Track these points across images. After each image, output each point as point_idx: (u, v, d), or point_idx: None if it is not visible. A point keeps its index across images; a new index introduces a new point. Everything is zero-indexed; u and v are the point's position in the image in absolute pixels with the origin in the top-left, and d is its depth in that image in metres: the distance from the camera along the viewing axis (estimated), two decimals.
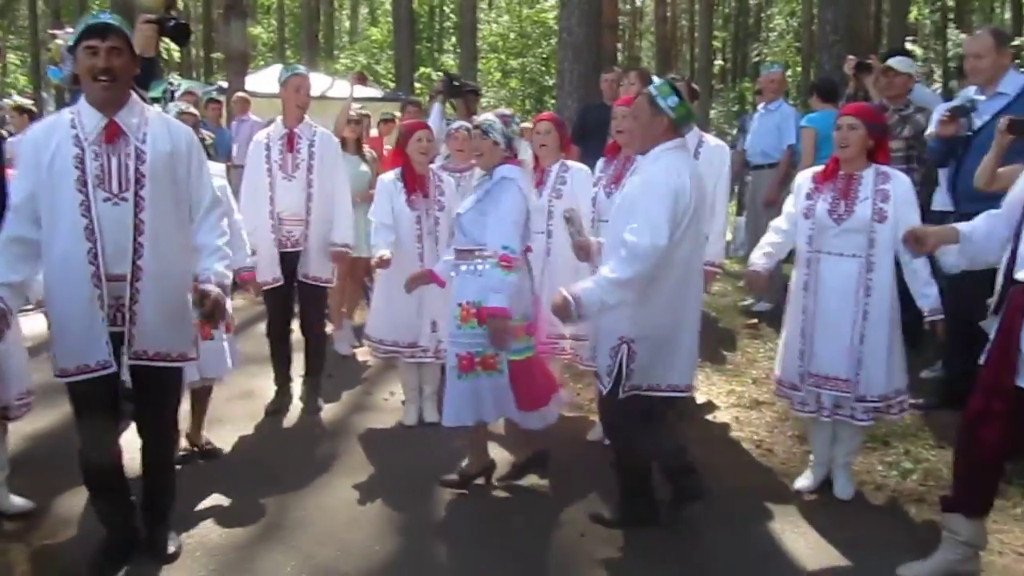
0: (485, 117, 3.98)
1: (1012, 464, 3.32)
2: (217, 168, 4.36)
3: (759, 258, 3.92)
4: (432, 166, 4.83)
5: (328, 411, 5.06)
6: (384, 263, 4.40)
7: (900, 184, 3.65)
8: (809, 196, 3.78)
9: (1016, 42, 17.38)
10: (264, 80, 14.06)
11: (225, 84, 12.20)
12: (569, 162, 4.67)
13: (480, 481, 4.00)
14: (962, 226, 3.12)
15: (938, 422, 4.61)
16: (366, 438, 4.68)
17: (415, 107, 8.08)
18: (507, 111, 4.18)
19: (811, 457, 4.03)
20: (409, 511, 3.79)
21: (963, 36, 20.84)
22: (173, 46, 11.79)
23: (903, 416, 3.89)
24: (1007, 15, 25.54)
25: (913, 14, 21.86)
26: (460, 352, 3.77)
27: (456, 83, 6.65)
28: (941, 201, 5.06)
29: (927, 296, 3.62)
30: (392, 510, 3.80)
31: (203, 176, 3.23)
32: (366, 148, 6.82)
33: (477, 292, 3.70)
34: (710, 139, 4.71)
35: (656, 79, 3.40)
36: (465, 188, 4.99)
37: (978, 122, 4.50)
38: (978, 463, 3.01)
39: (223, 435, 4.55)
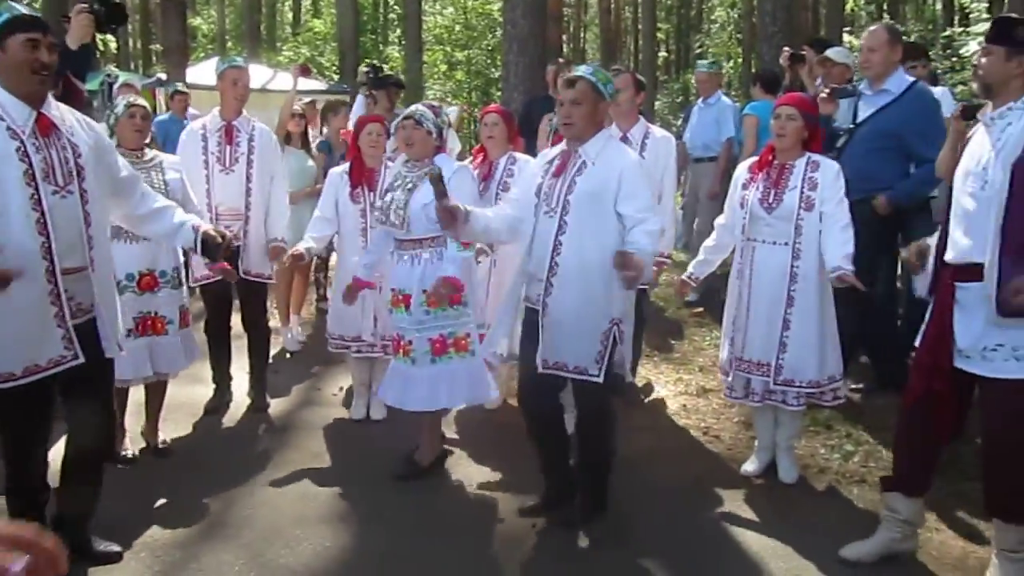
0: (416, 107, 4.04)
1: (949, 444, 3.41)
2: (173, 160, 4.28)
3: (694, 266, 4.08)
4: (389, 160, 4.78)
5: (275, 407, 5.00)
6: (295, 257, 4.40)
7: (827, 171, 3.71)
8: (745, 186, 3.85)
9: (947, 33, 17.90)
10: (205, 72, 13.77)
11: (164, 76, 11.93)
12: (517, 154, 4.68)
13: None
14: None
15: (877, 404, 4.73)
16: (314, 434, 4.63)
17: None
18: (434, 102, 4.32)
19: (756, 442, 4.11)
20: (359, 506, 3.76)
21: (897, 27, 21.42)
22: (110, 37, 11.55)
23: (838, 403, 3.95)
24: (938, 6, 26.22)
25: (850, 5, 22.32)
26: (432, 336, 3.84)
27: (380, 75, 6.58)
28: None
29: (833, 256, 3.57)
30: (341, 505, 3.77)
31: (119, 160, 3.27)
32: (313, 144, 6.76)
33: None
34: (656, 131, 4.76)
35: (583, 67, 3.41)
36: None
37: (862, 115, 4.62)
38: (917, 443, 3.10)
39: (163, 434, 4.43)
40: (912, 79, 4.78)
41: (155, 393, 4.29)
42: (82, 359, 2.96)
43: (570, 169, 3.33)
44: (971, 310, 2.84)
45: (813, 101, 3.98)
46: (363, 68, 6.72)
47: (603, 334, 3.31)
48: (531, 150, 5.05)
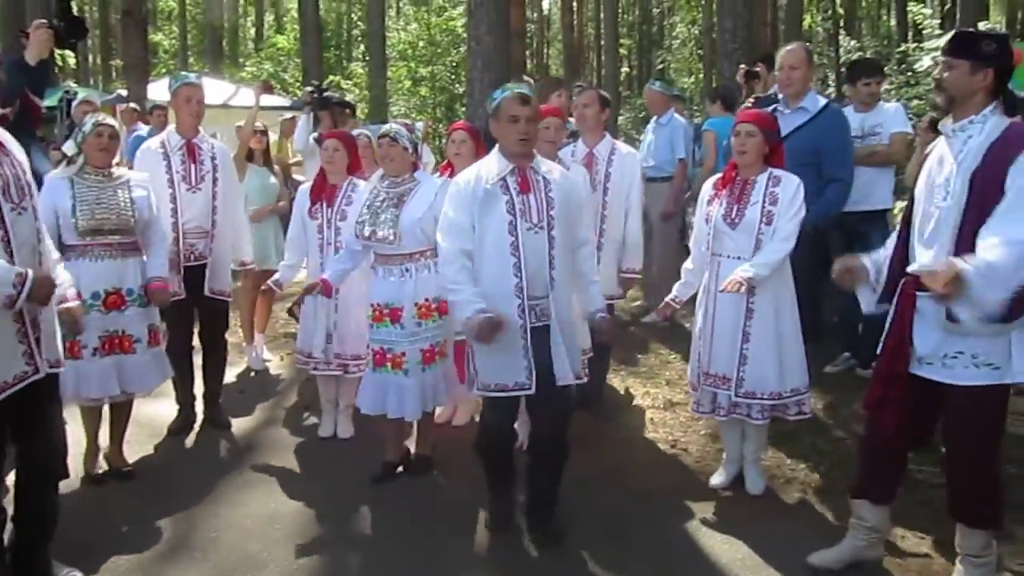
0: (390, 126, 4.18)
1: (915, 452, 3.47)
2: (141, 178, 4.23)
3: (677, 289, 4.06)
4: (356, 177, 4.75)
5: (240, 426, 4.95)
6: (268, 289, 4.60)
7: (787, 186, 3.76)
8: (709, 202, 3.90)
9: (901, 49, 18.29)
10: (165, 88, 13.66)
11: (125, 92, 11.77)
12: None
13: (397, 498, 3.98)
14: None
15: (843, 414, 4.80)
16: (280, 453, 4.59)
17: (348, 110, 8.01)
18: (406, 120, 4.34)
19: (724, 455, 4.14)
20: (328, 525, 3.73)
21: (853, 43, 21.82)
22: (68, 52, 11.36)
23: (802, 418, 3.97)
24: (893, 22, 26.80)
25: (807, 22, 22.70)
26: (424, 347, 3.99)
27: (325, 95, 6.53)
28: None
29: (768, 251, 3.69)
30: (309, 525, 3.73)
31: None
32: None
33: (437, 288, 3.86)
34: (622, 147, 4.81)
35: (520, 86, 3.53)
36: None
37: (781, 132, 4.69)
38: (881, 450, 3.14)
39: (125, 456, 4.36)
40: (826, 100, 4.93)
41: (119, 414, 4.22)
42: (43, 373, 2.90)
43: (538, 186, 3.36)
44: (932, 319, 2.88)
45: (772, 117, 4.04)
46: (307, 88, 6.59)
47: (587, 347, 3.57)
48: None
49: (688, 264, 4.06)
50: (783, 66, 4.82)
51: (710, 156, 6.75)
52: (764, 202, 3.75)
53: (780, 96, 4.90)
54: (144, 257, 4.12)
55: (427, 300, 3.99)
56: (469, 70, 8.13)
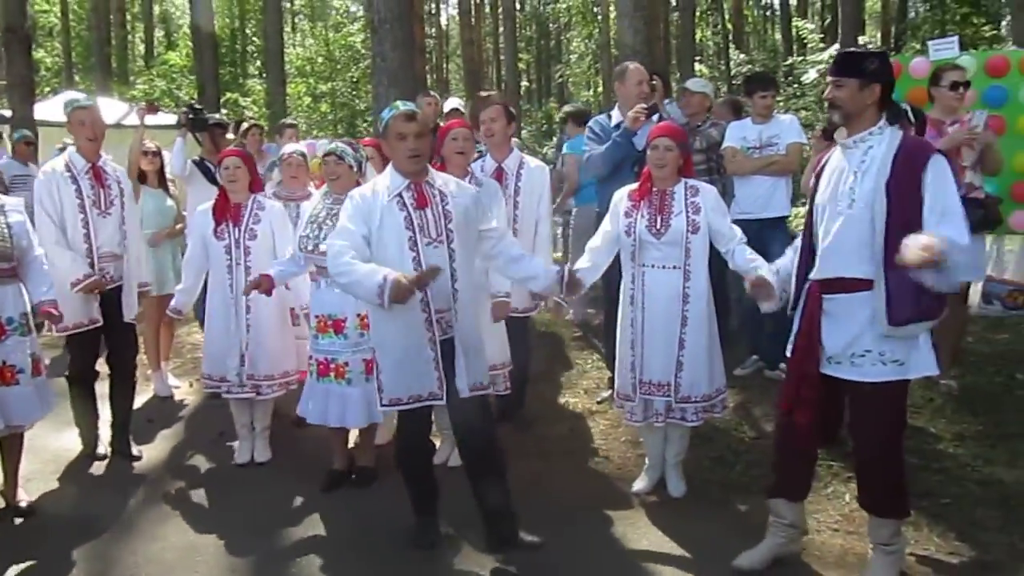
0: (336, 144, 4.28)
1: (824, 449, 3.62)
2: (15, 203, 4.06)
3: (583, 263, 3.97)
4: (261, 195, 4.71)
5: (151, 456, 4.78)
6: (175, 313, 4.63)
7: (708, 195, 3.91)
8: (628, 214, 3.95)
9: (788, 62, 19.10)
10: (53, 108, 13.07)
11: (8, 113, 11.23)
12: None
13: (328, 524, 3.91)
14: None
15: (754, 415, 4.96)
16: (195, 481, 4.46)
17: (292, 129, 7.83)
18: (351, 140, 4.52)
19: (646, 460, 4.22)
20: (252, 553, 3.64)
21: (743, 56, 22.65)
22: None
23: (724, 412, 4.15)
24: (778, 36, 27.96)
25: (698, 36, 23.46)
26: (367, 357, 4.00)
27: (200, 116, 6.32)
28: (735, 211, 5.49)
29: (750, 270, 3.67)
30: (231, 554, 3.63)
31: None
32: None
33: None
34: (531, 160, 4.86)
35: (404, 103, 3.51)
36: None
37: (640, 144, 4.81)
38: (794, 449, 3.27)
39: (25, 493, 4.16)
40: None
41: (11, 449, 4.03)
42: None
43: (435, 200, 3.37)
44: (839, 319, 3.04)
45: (684, 130, 4.17)
46: (182, 109, 6.37)
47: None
48: None
49: (584, 263, 3.98)
50: (634, 81, 5.10)
51: (572, 179, 6.98)
52: (687, 211, 3.86)
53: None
54: (21, 284, 4.00)
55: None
56: (375, 86, 8.07)
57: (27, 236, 3.99)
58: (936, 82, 4.92)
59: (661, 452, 4.14)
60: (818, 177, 3.19)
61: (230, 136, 6.93)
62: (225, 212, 4.53)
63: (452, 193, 3.41)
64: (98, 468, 4.62)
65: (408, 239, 3.29)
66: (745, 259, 3.76)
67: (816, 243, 3.14)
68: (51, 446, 4.70)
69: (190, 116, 6.20)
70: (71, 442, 4.77)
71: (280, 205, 4.79)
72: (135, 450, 4.78)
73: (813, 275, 3.14)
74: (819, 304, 3.08)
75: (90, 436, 4.76)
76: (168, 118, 12.72)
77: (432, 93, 7.21)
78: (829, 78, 3.05)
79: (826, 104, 3.14)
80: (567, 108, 8.42)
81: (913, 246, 2.71)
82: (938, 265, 2.71)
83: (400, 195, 3.34)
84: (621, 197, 4.04)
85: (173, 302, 4.67)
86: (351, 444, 4.48)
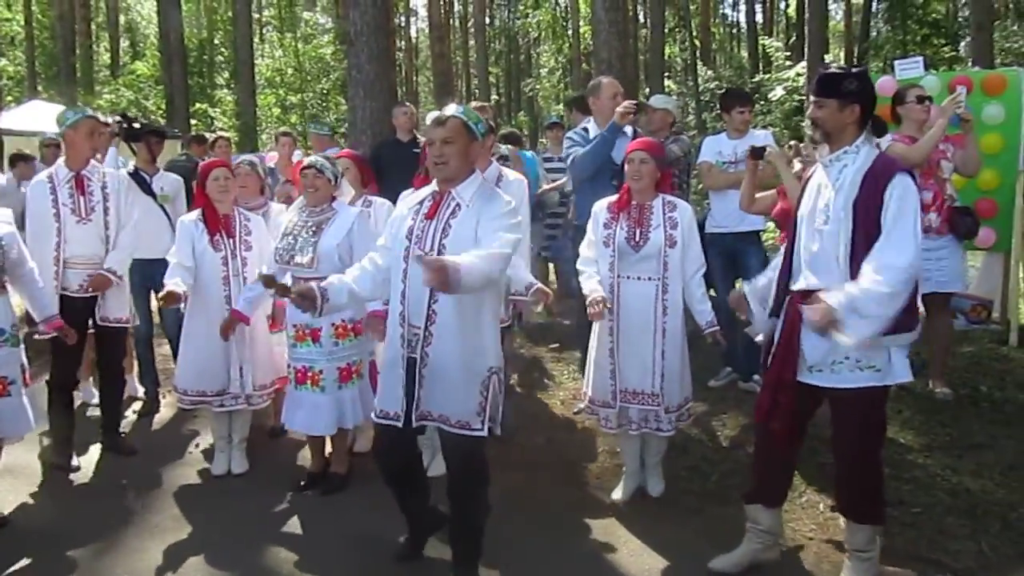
0: (315, 158, 4.34)
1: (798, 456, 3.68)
2: (6, 214, 4.04)
3: (597, 287, 3.99)
4: (241, 206, 4.72)
5: (124, 468, 4.73)
6: (170, 298, 4.23)
7: (684, 212, 4.00)
8: (607, 225, 4.03)
9: (756, 79, 19.43)
10: (16, 117, 12.88)
11: None
12: (372, 197, 4.77)
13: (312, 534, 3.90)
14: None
15: (729, 425, 5.03)
16: (173, 492, 4.43)
17: (288, 138, 7.79)
18: (327, 153, 4.57)
19: (624, 469, 4.27)
20: (233, 566, 3.62)
21: (710, 73, 22.97)
22: None
23: (691, 422, 4.27)
24: (744, 54, 28.42)
25: (666, 52, 23.77)
26: (340, 365, 4.21)
27: (134, 125, 6.06)
28: (711, 224, 5.59)
29: (702, 312, 4.02)
30: (214, 567, 3.61)
31: None
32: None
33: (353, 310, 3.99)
34: (509, 173, 4.89)
35: (455, 107, 3.30)
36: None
37: (619, 158, 4.91)
38: (773, 455, 3.34)
39: (2, 504, 4.14)
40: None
41: None
42: None
43: (443, 212, 3.15)
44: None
45: (660, 144, 4.24)
46: (115, 118, 6.07)
47: (482, 384, 3.14)
48: (386, 193, 5.09)
49: (591, 268, 4.07)
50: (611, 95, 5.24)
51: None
52: (665, 226, 3.95)
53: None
54: (9, 295, 4.00)
55: (343, 321, 4.19)
56: (350, 98, 8.09)
57: (17, 248, 3.99)
58: (901, 100, 5.11)
59: (638, 460, 4.21)
60: (803, 191, 3.27)
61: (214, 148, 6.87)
62: (217, 224, 4.51)
63: (468, 207, 3.13)
64: (72, 480, 4.57)
65: (404, 249, 3.18)
66: (697, 298, 3.99)
67: (797, 255, 3.22)
68: (26, 458, 4.64)
69: (122, 125, 5.94)
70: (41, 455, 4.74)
71: (258, 216, 4.79)
72: (130, 446, 4.91)
73: (794, 286, 3.21)
74: (799, 314, 3.15)
75: (63, 446, 4.71)
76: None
77: (407, 104, 7.24)
78: (811, 98, 3.13)
79: (807, 121, 3.22)
80: (503, 133, 8.26)
81: (810, 314, 2.91)
82: (837, 326, 2.88)
83: (422, 203, 3.24)
84: (601, 208, 4.10)
85: (171, 285, 4.33)
86: (328, 450, 4.50)
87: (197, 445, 5.08)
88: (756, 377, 5.40)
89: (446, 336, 3.10)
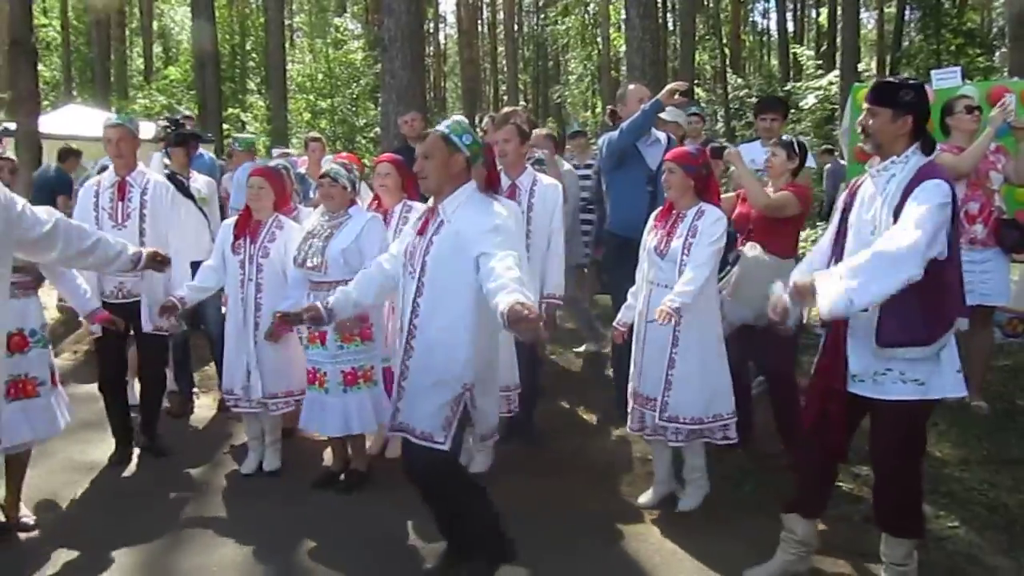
0: (331, 166, 4.40)
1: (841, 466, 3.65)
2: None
3: (622, 313, 4.22)
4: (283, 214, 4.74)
5: (157, 469, 4.82)
6: (163, 309, 4.50)
7: (707, 218, 3.95)
8: (648, 234, 4.11)
9: (787, 87, 19.32)
10: (54, 121, 13.09)
11: (13, 125, 11.27)
12: (411, 202, 4.76)
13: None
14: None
15: (764, 434, 4.99)
16: (207, 491, 4.52)
17: (318, 142, 7.85)
18: (344, 160, 4.62)
19: (654, 476, 4.27)
20: (266, 563, 3.67)
21: (740, 81, 22.88)
22: None
23: (728, 443, 4.08)
24: (775, 62, 28.27)
25: (696, 60, 23.72)
26: (344, 368, 4.27)
27: (182, 129, 6.03)
28: None
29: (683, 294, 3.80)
30: (243, 566, 3.66)
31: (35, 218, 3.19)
32: None
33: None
34: (544, 178, 4.93)
35: (454, 119, 3.39)
36: None
37: (653, 164, 4.96)
38: (816, 466, 3.31)
39: (36, 506, 4.20)
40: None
41: (17, 464, 4.01)
42: None
43: (431, 228, 3.20)
44: (864, 338, 3.08)
45: (692, 153, 4.17)
46: (161, 122, 6.15)
47: (453, 400, 3.13)
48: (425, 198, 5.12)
49: (633, 289, 4.22)
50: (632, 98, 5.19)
51: None
52: (687, 234, 3.94)
53: None
54: (39, 296, 4.10)
55: (348, 325, 4.21)
56: (383, 103, 8.16)
57: None
58: (951, 112, 5.07)
59: (667, 468, 4.21)
60: (852, 197, 3.23)
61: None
62: (245, 228, 4.60)
63: (448, 224, 3.16)
64: (102, 482, 4.66)
65: (403, 264, 3.32)
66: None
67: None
68: (82, 451, 4.80)
69: (170, 129, 5.92)
70: (80, 455, 4.83)
71: (298, 226, 4.82)
72: (164, 447, 4.98)
73: None
74: (845, 321, 3.12)
75: (122, 442, 4.87)
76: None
77: (413, 113, 7.13)
78: (865, 105, 3.11)
79: (859, 131, 3.19)
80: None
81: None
82: (804, 298, 2.92)
83: (418, 219, 3.35)
84: (652, 217, 4.17)
85: (179, 291, 4.58)
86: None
87: (232, 445, 5.15)
88: None
89: (421, 349, 3.18)
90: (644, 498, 4.22)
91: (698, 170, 4.03)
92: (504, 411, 4.49)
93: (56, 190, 7.86)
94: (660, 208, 4.18)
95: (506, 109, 5.35)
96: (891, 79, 3.13)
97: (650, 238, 4.07)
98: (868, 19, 27.51)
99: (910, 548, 3.19)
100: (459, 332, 3.12)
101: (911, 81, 3.11)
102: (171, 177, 5.73)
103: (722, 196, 4.53)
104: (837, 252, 3.19)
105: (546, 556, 3.66)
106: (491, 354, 3.29)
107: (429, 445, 3.14)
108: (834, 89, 15.69)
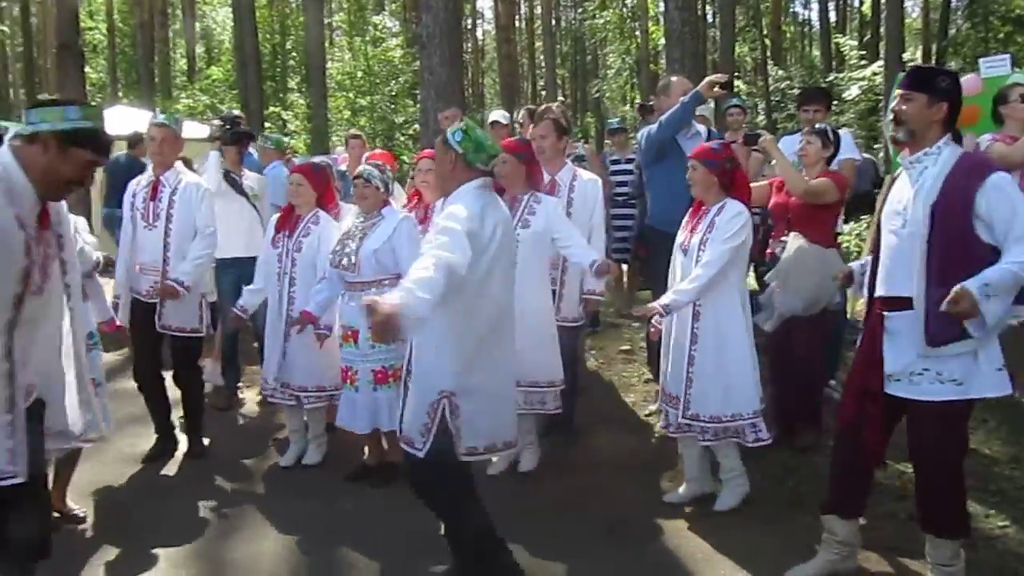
0: (364, 167, 4.45)
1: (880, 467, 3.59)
2: (81, 223, 4.16)
3: (654, 305, 4.06)
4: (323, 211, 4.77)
5: (213, 459, 4.94)
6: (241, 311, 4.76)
7: (725, 213, 3.90)
8: (681, 229, 4.09)
9: (830, 78, 18.99)
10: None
11: None
12: None
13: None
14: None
15: (806, 431, 4.92)
16: (249, 484, 4.61)
17: (358, 140, 7.93)
18: (378, 161, 4.67)
19: (685, 473, 4.26)
20: (311, 555, 3.73)
21: (781, 72, 22.53)
22: None
23: (761, 444, 4.03)
24: (816, 52, 27.80)
25: (736, 52, 23.40)
26: (375, 367, 4.30)
27: (239, 128, 6.01)
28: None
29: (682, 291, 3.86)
30: (292, 561, 3.71)
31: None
32: None
33: None
34: (584, 174, 4.92)
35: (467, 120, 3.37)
36: None
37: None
38: (851, 465, 3.26)
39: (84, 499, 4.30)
40: None
41: (69, 460, 4.07)
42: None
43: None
44: (899, 337, 3.02)
45: (714, 149, 4.06)
46: (216, 121, 6.13)
47: (430, 406, 3.10)
48: None
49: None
50: (674, 91, 5.11)
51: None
52: (706, 230, 3.91)
53: None
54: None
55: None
56: (422, 100, 8.20)
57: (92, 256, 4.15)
58: (1005, 100, 4.92)
59: (697, 467, 4.19)
60: (888, 191, 3.19)
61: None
62: (286, 222, 4.69)
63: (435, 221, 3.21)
64: (149, 475, 4.76)
65: None
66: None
67: (881, 260, 3.14)
68: (109, 454, 4.85)
69: (227, 129, 5.93)
70: (129, 448, 4.94)
71: (335, 222, 4.85)
72: (199, 449, 4.99)
73: (876, 292, 3.14)
74: (881, 321, 3.08)
75: (162, 435, 4.96)
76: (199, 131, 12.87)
77: (454, 108, 7.15)
78: (898, 91, 3.04)
79: (891, 119, 3.13)
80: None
81: (947, 302, 2.78)
82: (973, 316, 2.78)
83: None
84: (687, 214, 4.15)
85: (240, 300, 4.81)
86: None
87: (275, 439, 5.23)
88: (833, 382, 5.29)
89: (414, 352, 3.27)
90: (671, 495, 4.21)
91: (720, 165, 3.95)
92: (551, 408, 4.52)
93: (128, 177, 7.95)
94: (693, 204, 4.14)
95: (544, 105, 5.33)
96: (927, 65, 3.08)
97: (681, 234, 4.06)
98: (913, 7, 26.98)
99: (955, 548, 3.13)
100: (432, 336, 3.08)
101: (947, 68, 3.05)
102: (226, 175, 5.83)
103: (752, 185, 4.44)
104: (874, 248, 3.15)
105: (587, 551, 3.66)
106: (483, 361, 3.15)
107: (408, 450, 3.21)
108: (878, 79, 15.32)
